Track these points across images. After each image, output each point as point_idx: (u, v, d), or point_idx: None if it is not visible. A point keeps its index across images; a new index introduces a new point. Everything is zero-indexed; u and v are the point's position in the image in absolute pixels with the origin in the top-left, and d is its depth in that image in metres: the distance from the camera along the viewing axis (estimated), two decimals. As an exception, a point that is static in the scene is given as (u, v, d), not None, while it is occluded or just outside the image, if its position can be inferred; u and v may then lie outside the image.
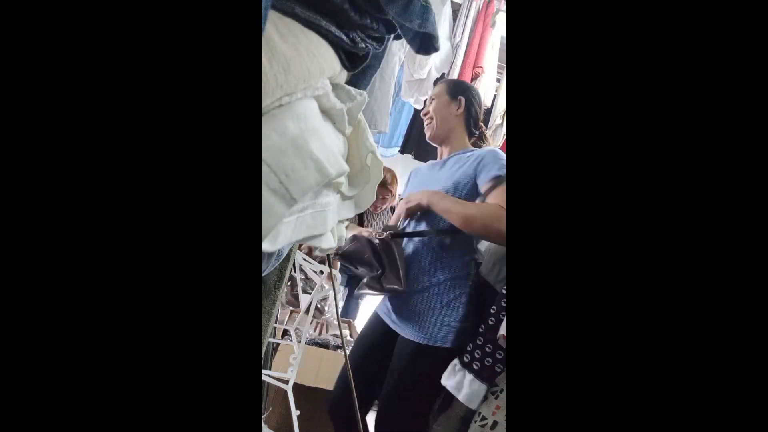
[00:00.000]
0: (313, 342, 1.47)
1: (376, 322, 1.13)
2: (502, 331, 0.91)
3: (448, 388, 0.98)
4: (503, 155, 1.01)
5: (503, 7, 2.11)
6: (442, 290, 1.01)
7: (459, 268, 1.02)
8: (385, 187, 1.95)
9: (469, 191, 1.01)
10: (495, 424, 0.94)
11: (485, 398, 0.96)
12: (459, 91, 1.13)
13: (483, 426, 0.94)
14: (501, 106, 2.24)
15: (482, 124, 1.17)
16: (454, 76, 2.09)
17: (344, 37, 0.38)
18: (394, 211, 1.23)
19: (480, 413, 0.96)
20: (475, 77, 2.09)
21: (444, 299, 1.00)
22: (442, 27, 2.09)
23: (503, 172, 0.96)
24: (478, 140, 1.16)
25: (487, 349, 0.95)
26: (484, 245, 1.11)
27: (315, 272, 0.95)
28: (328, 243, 0.44)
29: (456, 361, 0.98)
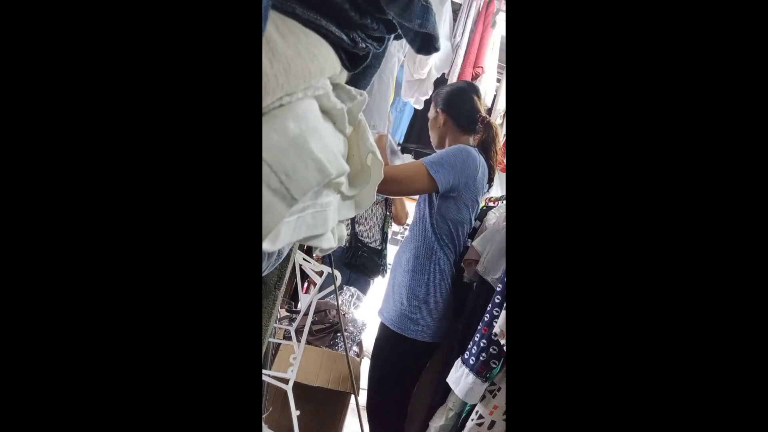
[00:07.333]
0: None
1: None
2: (496, 329, 0.91)
3: (450, 383, 0.98)
4: (454, 152, 1.14)
5: (503, 7, 2.11)
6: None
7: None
8: None
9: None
10: (492, 423, 0.94)
11: (483, 397, 0.96)
12: (438, 104, 1.26)
13: (480, 425, 0.94)
14: (501, 106, 2.24)
15: (483, 115, 1.25)
16: (455, 76, 2.08)
17: (344, 37, 0.38)
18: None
19: (477, 412, 0.96)
20: (475, 77, 2.09)
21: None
22: (442, 27, 2.08)
23: (430, 158, 1.11)
24: (485, 131, 1.24)
25: (482, 344, 0.95)
26: (481, 243, 1.11)
27: (315, 272, 0.96)
28: (329, 243, 0.44)
29: (459, 359, 0.99)
